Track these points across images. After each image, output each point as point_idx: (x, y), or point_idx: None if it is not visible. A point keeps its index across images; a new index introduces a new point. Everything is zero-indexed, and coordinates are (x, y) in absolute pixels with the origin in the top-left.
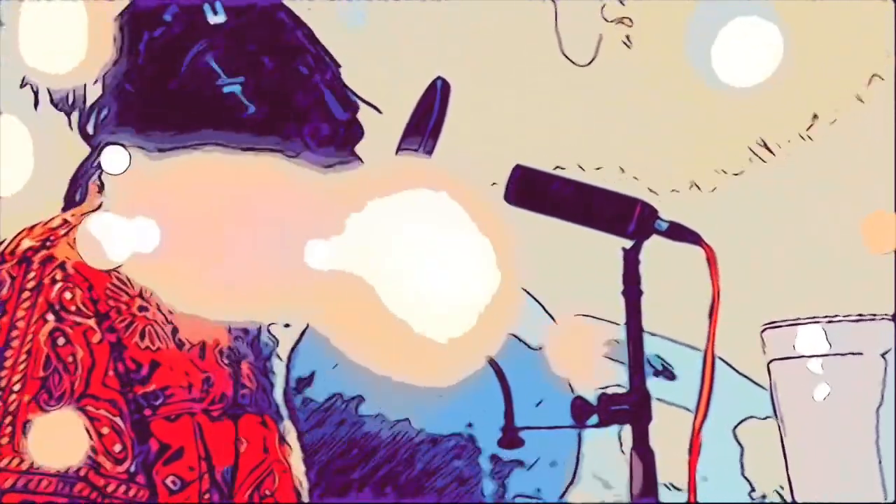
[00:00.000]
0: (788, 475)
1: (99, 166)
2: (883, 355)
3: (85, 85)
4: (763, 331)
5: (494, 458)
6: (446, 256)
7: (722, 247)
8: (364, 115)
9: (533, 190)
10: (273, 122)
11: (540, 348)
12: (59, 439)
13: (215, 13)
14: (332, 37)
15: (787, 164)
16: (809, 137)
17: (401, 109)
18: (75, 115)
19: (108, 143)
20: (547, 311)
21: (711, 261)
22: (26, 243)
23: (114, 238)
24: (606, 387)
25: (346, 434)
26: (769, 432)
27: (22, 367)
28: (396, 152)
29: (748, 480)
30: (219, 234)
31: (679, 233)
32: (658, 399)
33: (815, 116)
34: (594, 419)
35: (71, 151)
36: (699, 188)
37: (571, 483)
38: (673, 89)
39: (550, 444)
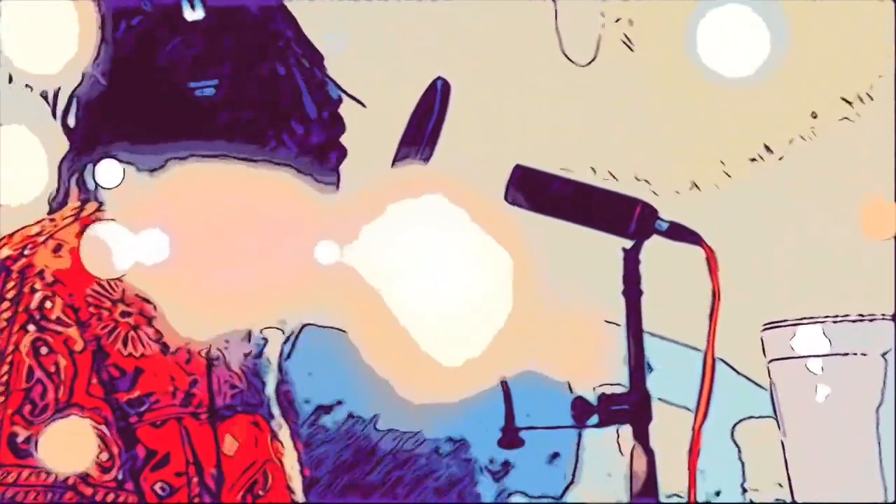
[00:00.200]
0: (788, 475)
1: (77, 163)
2: (883, 355)
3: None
4: (763, 331)
5: (492, 460)
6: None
7: (722, 247)
8: (364, 115)
9: (533, 190)
10: (248, 125)
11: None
12: (69, 446)
13: (193, 8)
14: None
15: (788, 164)
16: (809, 137)
17: (401, 109)
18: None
19: (102, 157)
20: None
21: (711, 261)
22: (5, 252)
23: (119, 248)
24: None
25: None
26: (769, 432)
27: (4, 378)
28: (393, 165)
29: (745, 480)
30: (222, 245)
31: (679, 233)
32: (658, 399)
33: (815, 116)
34: (594, 419)
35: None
36: (699, 188)
37: (571, 483)
38: (673, 89)
39: (550, 444)
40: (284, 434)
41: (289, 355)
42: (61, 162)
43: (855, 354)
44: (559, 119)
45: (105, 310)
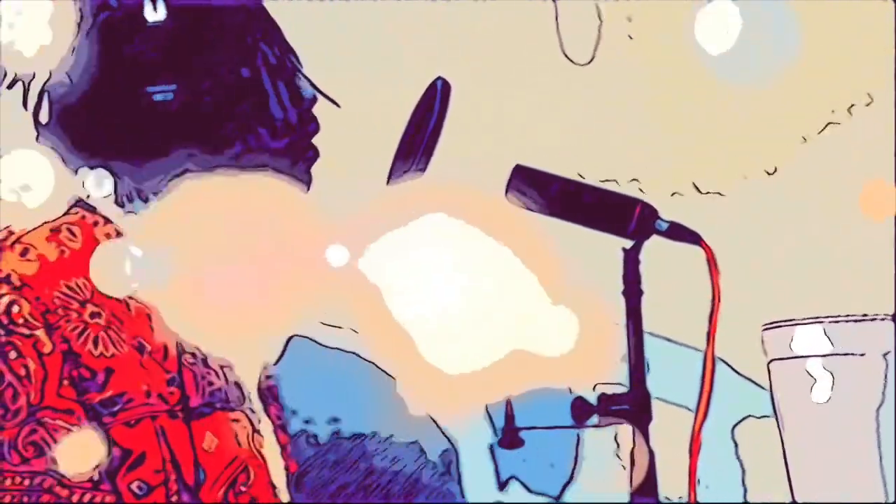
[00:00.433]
0: (788, 475)
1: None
2: (883, 356)
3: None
4: (763, 331)
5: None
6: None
7: (722, 247)
8: (364, 116)
9: (533, 190)
10: (208, 130)
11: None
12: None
13: (155, 10)
14: (332, 37)
15: (788, 165)
16: (810, 138)
17: (401, 109)
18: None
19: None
20: None
21: (711, 261)
22: None
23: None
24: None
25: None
26: (769, 432)
27: None
28: (388, 182)
29: (745, 480)
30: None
31: (679, 233)
32: (658, 399)
33: (816, 117)
34: (594, 419)
35: None
36: (699, 189)
37: (570, 482)
38: (673, 89)
39: (550, 444)
40: (266, 429)
41: (278, 360)
42: None
43: (855, 355)
44: (559, 119)
45: (74, 311)
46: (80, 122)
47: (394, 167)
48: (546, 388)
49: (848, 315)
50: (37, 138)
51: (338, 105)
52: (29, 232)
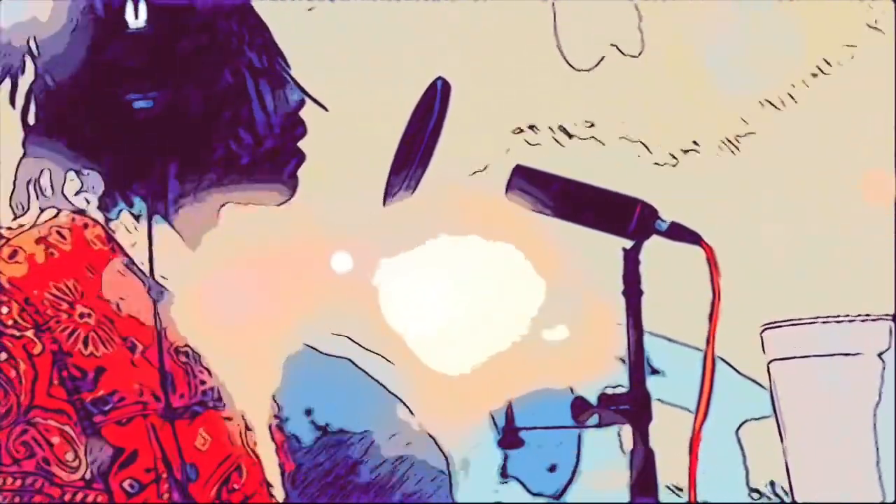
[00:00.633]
0: (788, 475)
1: (34, 168)
2: (881, 355)
3: (23, 59)
4: (763, 331)
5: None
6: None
7: (722, 247)
8: (364, 116)
9: (533, 190)
10: (190, 137)
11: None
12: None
13: (136, 17)
14: (332, 37)
15: (788, 164)
16: (809, 137)
17: (401, 109)
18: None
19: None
20: None
21: (711, 261)
22: None
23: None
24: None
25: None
26: (769, 432)
27: None
28: (384, 203)
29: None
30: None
31: (679, 233)
32: (658, 399)
33: (817, 117)
34: (594, 419)
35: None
36: (698, 189)
37: (570, 482)
38: (673, 88)
39: (550, 444)
40: (261, 427)
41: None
42: (18, 165)
43: (854, 354)
44: (560, 119)
45: (63, 312)
46: (64, 126)
47: (390, 181)
48: (546, 388)
49: (847, 315)
50: (24, 140)
51: (325, 109)
52: (17, 234)
